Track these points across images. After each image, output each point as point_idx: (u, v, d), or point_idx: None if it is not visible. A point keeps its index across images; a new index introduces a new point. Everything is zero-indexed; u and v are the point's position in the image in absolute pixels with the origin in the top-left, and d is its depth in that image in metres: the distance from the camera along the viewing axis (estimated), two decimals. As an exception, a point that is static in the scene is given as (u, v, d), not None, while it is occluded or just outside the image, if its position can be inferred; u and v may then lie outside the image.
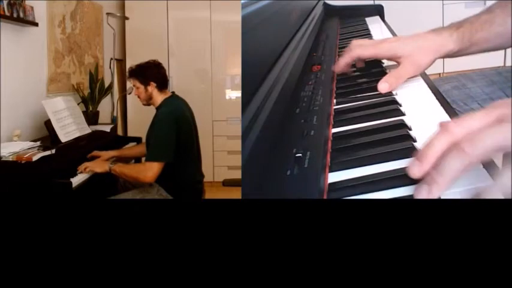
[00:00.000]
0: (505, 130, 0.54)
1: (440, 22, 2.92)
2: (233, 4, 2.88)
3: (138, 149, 2.08)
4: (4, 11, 1.80)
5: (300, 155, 0.71)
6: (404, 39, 1.01)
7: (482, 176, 0.62)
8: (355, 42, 1.09)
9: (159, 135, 1.68)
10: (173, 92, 1.89)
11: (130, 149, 2.18)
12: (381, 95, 0.98)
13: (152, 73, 1.79)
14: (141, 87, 1.80)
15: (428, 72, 1.12)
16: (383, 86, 0.98)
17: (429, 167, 0.60)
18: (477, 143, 0.55)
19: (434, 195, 0.58)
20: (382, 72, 1.14)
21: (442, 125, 0.61)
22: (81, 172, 1.69)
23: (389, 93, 0.99)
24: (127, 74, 1.85)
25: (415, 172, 0.61)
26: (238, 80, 3.23)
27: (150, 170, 1.64)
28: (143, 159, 1.87)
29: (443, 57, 0.99)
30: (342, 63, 1.09)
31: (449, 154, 0.57)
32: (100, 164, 1.76)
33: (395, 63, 1.05)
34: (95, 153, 1.95)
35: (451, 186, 0.58)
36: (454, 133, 0.59)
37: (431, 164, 0.60)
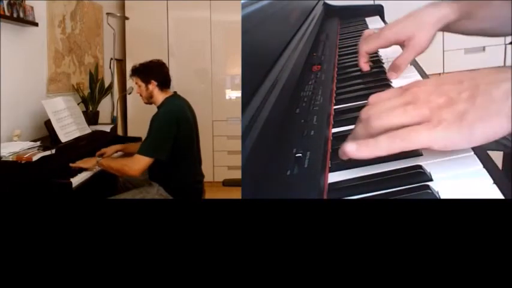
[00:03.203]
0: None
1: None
2: (233, 4, 2.87)
3: None
4: (4, 11, 1.80)
5: (300, 155, 0.71)
6: (403, 20, 1.02)
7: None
8: (362, 38, 1.11)
9: (156, 132, 1.68)
10: (175, 92, 1.89)
11: (134, 145, 2.18)
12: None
13: (154, 71, 1.80)
14: (142, 85, 1.80)
15: (428, 72, 1.12)
16: (392, 75, 1.05)
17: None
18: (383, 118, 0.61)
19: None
20: (383, 72, 1.14)
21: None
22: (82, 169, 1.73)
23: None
24: (130, 72, 1.86)
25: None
26: (238, 80, 3.22)
27: (138, 164, 1.64)
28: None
29: (444, 29, 1.00)
30: (361, 63, 1.11)
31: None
32: (87, 160, 1.77)
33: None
34: (102, 150, 1.97)
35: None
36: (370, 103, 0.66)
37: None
